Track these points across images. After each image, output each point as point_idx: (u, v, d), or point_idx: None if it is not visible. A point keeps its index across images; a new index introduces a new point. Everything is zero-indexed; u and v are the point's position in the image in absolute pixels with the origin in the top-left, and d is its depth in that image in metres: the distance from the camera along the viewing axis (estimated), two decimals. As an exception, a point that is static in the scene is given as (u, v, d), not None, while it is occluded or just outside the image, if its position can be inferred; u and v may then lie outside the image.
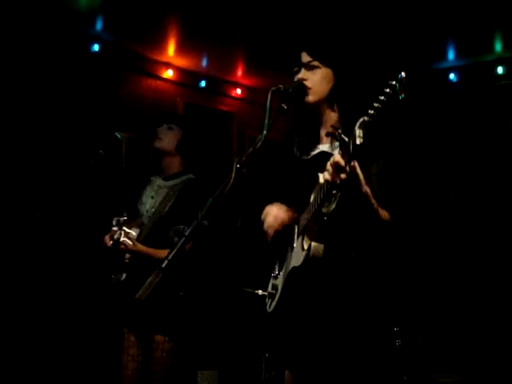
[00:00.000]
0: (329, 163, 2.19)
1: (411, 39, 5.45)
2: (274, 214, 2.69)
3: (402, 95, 1.98)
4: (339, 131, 2.13)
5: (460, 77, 6.13)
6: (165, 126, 3.89)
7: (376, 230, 2.49)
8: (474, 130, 6.03)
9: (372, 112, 2.00)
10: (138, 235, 3.69)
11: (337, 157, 2.15)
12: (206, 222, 3.28)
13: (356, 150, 2.04)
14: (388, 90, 1.99)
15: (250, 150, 2.39)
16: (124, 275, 3.67)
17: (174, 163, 3.91)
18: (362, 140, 2.01)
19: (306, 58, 2.66)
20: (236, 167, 2.29)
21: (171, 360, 3.62)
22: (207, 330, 5.31)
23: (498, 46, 5.73)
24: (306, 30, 5.12)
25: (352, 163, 2.15)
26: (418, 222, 5.74)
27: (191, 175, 3.94)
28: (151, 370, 3.58)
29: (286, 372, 2.60)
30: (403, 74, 2.01)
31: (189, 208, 3.61)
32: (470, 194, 5.97)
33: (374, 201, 2.36)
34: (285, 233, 2.69)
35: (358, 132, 2.01)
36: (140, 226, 3.74)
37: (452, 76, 6.13)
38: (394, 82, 1.99)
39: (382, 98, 1.99)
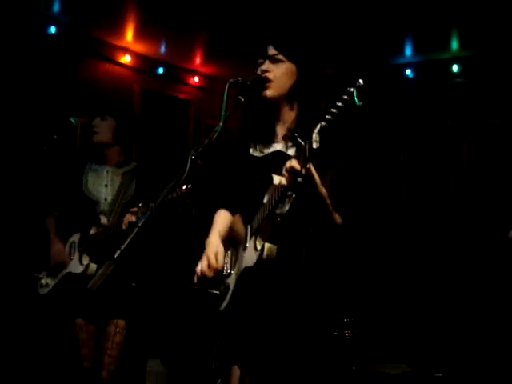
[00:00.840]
0: (285, 168, 2.21)
1: (369, 34, 5.48)
2: (210, 259, 2.65)
3: (360, 103, 1.99)
4: (295, 134, 2.15)
5: (416, 73, 6.20)
6: (98, 118, 3.85)
7: (329, 232, 2.52)
8: (428, 126, 6.12)
9: (329, 117, 2.03)
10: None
11: (293, 162, 2.17)
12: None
13: (312, 154, 2.07)
14: (346, 97, 2.01)
15: (206, 141, 2.39)
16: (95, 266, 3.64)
17: (116, 152, 3.88)
18: (318, 145, 2.03)
19: (271, 51, 2.65)
20: (191, 158, 2.29)
21: (125, 345, 3.64)
22: (159, 319, 5.29)
23: (455, 45, 5.82)
24: (275, 24, 5.12)
25: (308, 166, 2.17)
26: (370, 216, 5.82)
27: (134, 163, 3.95)
28: (108, 356, 3.59)
29: (234, 367, 2.61)
30: (361, 81, 2.01)
31: (140, 194, 3.65)
32: (422, 189, 6.07)
33: (328, 202, 2.39)
34: (235, 236, 2.71)
35: (315, 136, 2.04)
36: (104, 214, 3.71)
37: (408, 72, 6.20)
38: (351, 89, 2.01)
39: (340, 104, 2.02)
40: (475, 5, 4.94)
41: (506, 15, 5.09)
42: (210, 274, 2.65)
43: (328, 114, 2.03)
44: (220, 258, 2.65)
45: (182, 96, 6.55)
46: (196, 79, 6.60)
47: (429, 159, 6.07)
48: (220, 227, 2.80)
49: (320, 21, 5.18)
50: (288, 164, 2.19)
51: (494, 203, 2.91)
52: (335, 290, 2.69)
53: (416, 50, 5.95)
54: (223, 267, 2.68)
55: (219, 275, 2.76)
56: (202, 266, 2.67)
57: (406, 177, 6.10)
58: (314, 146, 2.04)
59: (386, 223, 6.05)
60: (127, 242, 2.01)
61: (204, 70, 6.55)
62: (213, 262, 2.64)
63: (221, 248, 2.69)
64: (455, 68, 6.02)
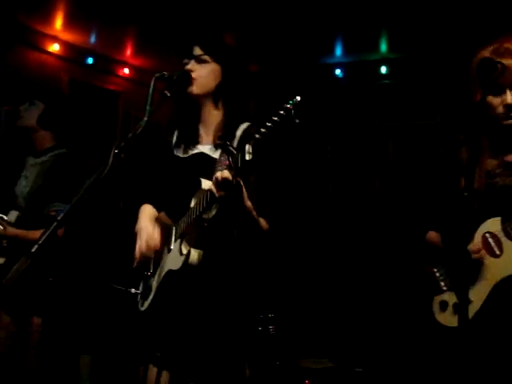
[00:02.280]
0: (215, 177, 2.20)
1: (300, 34, 5.52)
2: (147, 240, 2.66)
3: (297, 120, 1.99)
4: (228, 143, 2.15)
5: (346, 73, 6.28)
6: (27, 103, 3.75)
7: (255, 239, 2.55)
8: (356, 125, 6.21)
9: (264, 131, 2.02)
10: (17, 218, 3.58)
11: (225, 173, 2.16)
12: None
13: (244, 165, 2.06)
14: (282, 112, 2.00)
15: (130, 135, 2.37)
16: (3, 260, 3.55)
17: (43, 138, 3.76)
18: (251, 156, 2.03)
19: (197, 51, 2.66)
20: (114, 152, 2.26)
21: (44, 341, 3.57)
22: (81, 315, 5.20)
23: (383, 47, 5.93)
24: (201, 25, 5.10)
25: (238, 178, 2.18)
26: (297, 214, 5.88)
27: (64, 150, 3.79)
28: (26, 351, 3.52)
29: (151, 365, 2.61)
30: (298, 97, 2.01)
31: (60, 184, 3.55)
32: (348, 187, 6.16)
33: (254, 212, 2.41)
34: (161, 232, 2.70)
35: (248, 148, 2.03)
36: (18, 209, 3.63)
37: (338, 72, 6.28)
38: (288, 105, 2.00)
39: (276, 118, 2.00)
40: (405, 8, 5.04)
41: (434, 20, 5.21)
42: (149, 253, 2.65)
43: (263, 128, 2.02)
44: (156, 237, 2.65)
45: (111, 87, 6.46)
46: (126, 71, 6.51)
47: (356, 158, 6.16)
48: (149, 215, 2.78)
49: (250, 20, 5.19)
50: (220, 174, 2.18)
51: (417, 203, 2.97)
52: (259, 287, 2.71)
53: (346, 50, 6.02)
54: (161, 246, 2.66)
55: (143, 273, 2.75)
56: (139, 247, 2.66)
57: (333, 175, 6.18)
58: (247, 157, 2.03)
59: (313, 221, 6.11)
60: (45, 237, 1.97)
61: (135, 61, 6.47)
62: (151, 242, 2.64)
63: (156, 229, 2.68)
64: (383, 69, 6.13)
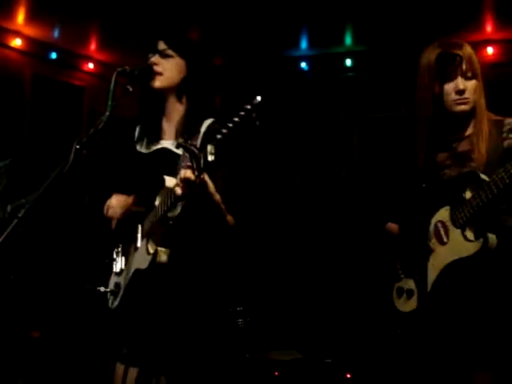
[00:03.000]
0: (179, 178, 2.21)
1: (266, 26, 5.53)
2: (117, 200, 2.68)
3: (258, 122, 2.00)
4: (190, 143, 2.15)
5: (311, 66, 6.29)
6: None
7: (222, 234, 2.56)
8: (322, 117, 6.24)
9: (225, 131, 2.01)
10: None
11: (187, 173, 2.16)
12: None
13: (207, 165, 2.07)
14: (242, 113, 2.01)
15: (92, 130, 2.36)
16: None
17: None
18: (213, 157, 2.03)
19: (162, 45, 2.66)
20: (75, 148, 2.26)
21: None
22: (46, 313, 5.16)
23: (348, 40, 5.96)
24: (166, 19, 5.08)
25: (202, 176, 2.19)
26: (264, 208, 5.90)
27: (7, 161, 3.78)
28: None
29: (118, 364, 2.61)
30: (259, 98, 2.01)
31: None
32: (314, 179, 6.19)
33: (223, 207, 2.42)
34: (128, 227, 2.69)
35: (210, 148, 2.03)
36: None
37: (303, 65, 6.28)
38: (248, 107, 2.00)
39: (237, 119, 2.01)
40: (369, 2, 5.08)
41: (397, 13, 5.26)
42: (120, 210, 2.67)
43: (224, 128, 2.02)
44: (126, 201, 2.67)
45: (76, 82, 6.39)
46: (91, 66, 6.44)
47: (322, 150, 6.19)
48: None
49: (214, 13, 5.18)
50: (182, 174, 2.19)
51: (382, 194, 3.02)
52: (227, 281, 2.73)
53: (311, 43, 6.04)
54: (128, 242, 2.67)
55: (111, 272, 2.75)
56: (111, 208, 2.68)
57: (299, 167, 6.21)
58: (209, 158, 2.04)
59: (280, 213, 6.14)
60: (6, 234, 1.96)
61: (99, 56, 6.41)
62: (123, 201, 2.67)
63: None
64: (348, 62, 6.15)
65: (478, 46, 5.27)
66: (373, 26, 5.59)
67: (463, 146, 2.64)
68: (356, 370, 4.94)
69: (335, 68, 6.22)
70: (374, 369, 4.87)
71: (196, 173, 2.14)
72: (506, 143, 2.56)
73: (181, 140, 2.41)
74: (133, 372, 2.54)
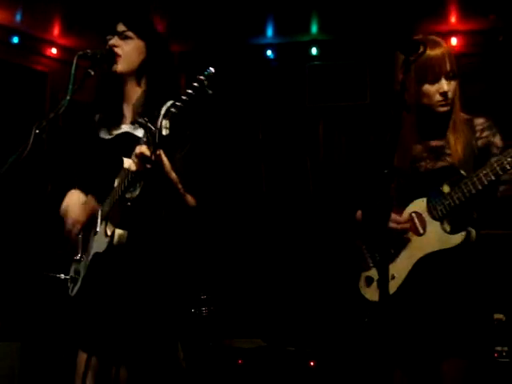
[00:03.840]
0: (134, 153, 2.20)
1: (231, 13, 5.50)
2: (73, 217, 2.66)
3: (210, 91, 2.02)
4: (145, 119, 2.14)
5: (276, 54, 6.27)
6: None
7: (182, 215, 2.54)
8: (287, 106, 6.24)
9: (179, 104, 2.03)
10: None
11: (142, 147, 2.17)
12: None
13: (162, 140, 2.07)
14: (196, 84, 2.03)
15: (52, 115, 2.34)
16: None
17: None
18: (168, 131, 2.03)
19: (121, 27, 2.64)
20: (35, 133, 2.23)
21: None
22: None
23: (314, 28, 5.95)
24: (129, 3, 5.01)
25: (158, 152, 2.18)
26: (227, 194, 5.88)
27: None
28: None
29: (80, 351, 2.59)
30: (212, 69, 2.05)
31: None
32: (280, 167, 6.20)
33: (180, 186, 2.40)
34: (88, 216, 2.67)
35: (165, 123, 2.05)
36: None
37: (269, 53, 6.25)
38: (202, 77, 2.03)
39: (190, 91, 2.03)
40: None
41: (363, 3, 5.26)
42: (76, 231, 2.64)
43: (178, 101, 2.04)
44: (82, 218, 2.64)
45: (38, 68, 6.28)
46: (54, 51, 6.31)
47: (287, 138, 6.20)
48: (74, 198, 2.75)
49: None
50: (137, 150, 2.19)
51: (347, 183, 3.04)
52: (190, 268, 2.72)
53: (277, 31, 6.02)
54: (88, 230, 2.65)
55: (72, 258, 2.72)
56: (67, 230, 2.65)
57: (264, 155, 6.20)
58: (164, 132, 2.04)
59: (244, 201, 6.13)
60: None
61: (63, 41, 6.29)
62: (77, 225, 2.64)
63: (82, 212, 2.66)
64: (314, 51, 6.13)
65: (443, 36, 5.27)
66: (338, 15, 5.59)
67: (436, 141, 2.67)
68: (320, 357, 4.98)
69: (301, 56, 6.20)
70: (337, 357, 4.91)
71: (151, 148, 2.13)
72: (480, 142, 2.62)
73: (137, 117, 2.41)
74: (95, 360, 2.53)
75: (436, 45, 2.59)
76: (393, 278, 2.55)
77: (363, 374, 4.20)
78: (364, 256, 2.76)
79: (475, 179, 2.44)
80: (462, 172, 2.53)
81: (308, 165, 6.08)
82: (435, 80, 2.57)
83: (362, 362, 4.26)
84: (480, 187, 2.43)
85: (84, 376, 2.51)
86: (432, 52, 2.54)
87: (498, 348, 4.34)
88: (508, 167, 2.37)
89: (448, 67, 2.57)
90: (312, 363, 4.92)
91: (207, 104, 2.06)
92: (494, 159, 2.44)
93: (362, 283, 2.74)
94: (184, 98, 2.04)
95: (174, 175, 2.36)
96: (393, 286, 2.54)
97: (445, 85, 2.57)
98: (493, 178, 2.40)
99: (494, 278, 2.77)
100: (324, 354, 5.03)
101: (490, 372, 2.74)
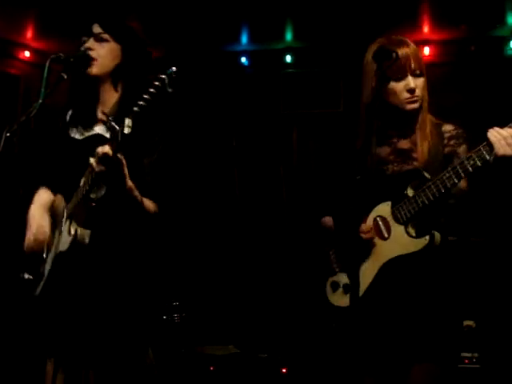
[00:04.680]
0: (96, 152, 2.20)
1: (206, 20, 5.50)
2: (35, 235, 2.63)
3: (170, 90, 2.06)
4: (110, 118, 2.15)
5: (251, 61, 6.28)
6: None
7: (141, 221, 2.53)
8: (261, 113, 6.26)
9: (141, 103, 2.07)
10: None
11: (105, 147, 2.16)
12: None
13: (124, 139, 2.08)
14: (157, 83, 2.07)
15: (24, 118, 2.33)
16: None
17: None
18: (130, 130, 2.06)
19: (97, 29, 2.63)
20: (6, 136, 2.21)
21: None
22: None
23: (289, 36, 5.97)
24: (102, 3, 4.99)
25: (119, 155, 2.18)
26: (200, 201, 5.88)
27: None
28: None
29: (47, 357, 2.57)
30: (174, 68, 2.09)
31: None
32: (253, 174, 6.21)
33: (137, 193, 2.40)
34: (55, 216, 2.65)
35: (128, 122, 2.07)
36: None
37: (243, 60, 6.26)
38: (163, 76, 2.07)
39: (152, 90, 2.07)
40: (309, -2, 5.12)
41: (338, 11, 5.31)
42: (38, 246, 2.61)
43: (140, 100, 2.07)
44: (45, 225, 2.63)
45: (11, 71, 6.22)
46: (27, 54, 6.26)
47: (261, 145, 6.22)
48: (41, 202, 2.72)
49: (154, 4, 5.12)
50: (100, 148, 2.18)
51: (319, 188, 3.06)
52: (160, 275, 2.71)
53: (252, 38, 6.04)
54: (49, 238, 2.62)
55: (38, 257, 2.69)
56: (28, 241, 2.62)
57: (238, 161, 6.21)
58: (126, 131, 2.06)
59: (218, 208, 6.13)
60: None
61: (36, 44, 6.24)
62: (39, 236, 2.61)
63: (46, 217, 2.64)
64: (288, 58, 6.15)
65: (416, 46, 5.36)
66: (313, 23, 5.62)
67: (403, 144, 2.69)
68: (292, 364, 4.98)
69: (275, 64, 6.21)
70: (309, 363, 4.92)
71: (114, 147, 2.14)
72: (446, 150, 2.63)
73: (103, 116, 2.40)
74: (61, 365, 2.50)
75: (401, 43, 2.60)
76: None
77: (335, 381, 4.21)
78: (331, 261, 2.77)
79: (438, 182, 2.44)
80: (426, 175, 2.53)
81: (281, 171, 6.10)
82: (401, 77, 2.58)
83: (333, 369, 4.27)
84: (443, 190, 2.43)
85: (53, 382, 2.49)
86: (396, 47, 2.55)
87: (468, 354, 4.39)
88: (471, 170, 2.37)
89: (414, 64, 2.58)
90: (284, 370, 4.93)
91: (168, 103, 2.09)
92: (457, 162, 2.45)
93: (328, 288, 2.73)
94: (145, 96, 2.07)
95: (130, 182, 2.35)
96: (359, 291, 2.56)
97: (412, 81, 2.57)
98: (456, 181, 2.41)
99: (464, 284, 2.78)
100: (296, 360, 5.04)
101: (458, 377, 2.75)
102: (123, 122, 2.06)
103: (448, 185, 2.42)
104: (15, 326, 4.62)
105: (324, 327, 2.91)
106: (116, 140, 2.11)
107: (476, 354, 4.39)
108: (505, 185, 2.43)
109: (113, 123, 2.12)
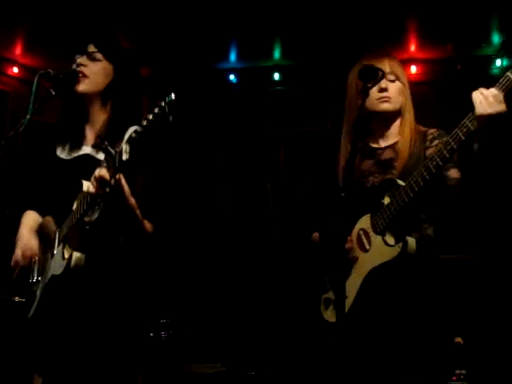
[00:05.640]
0: (93, 176, 2.19)
1: (194, 38, 5.52)
2: (23, 249, 2.62)
3: (171, 117, 2.02)
4: (106, 143, 2.13)
5: (239, 79, 6.31)
6: None
7: (139, 241, 2.53)
8: (249, 130, 6.27)
9: (140, 129, 2.03)
10: None
11: (102, 171, 2.16)
12: None
13: (122, 164, 2.07)
14: (157, 111, 2.03)
15: (12, 133, 2.32)
16: None
17: None
18: (128, 156, 2.03)
19: (91, 48, 2.64)
20: (-7, 151, 2.20)
21: None
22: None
23: (277, 54, 6.02)
24: (97, 23, 5.02)
25: (117, 176, 2.17)
26: (188, 220, 5.86)
27: None
28: None
29: (35, 376, 2.55)
30: (173, 95, 2.04)
31: None
32: (240, 192, 6.20)
33: (138, 212, 2.39)
34: (44, 237, 2.64)
35: (125, 147, 2.04)
36: None
37: (232, 77, 6.30)
38: (162, 103, 2.03)
39: (151, 117, 2.04)
40: (297, 17, 5.15)
41: (325, 30, 5.36)
42: (26, 263, 2.61)
43: (139, 127, 2.05)
44: (33, 244, 2.62)
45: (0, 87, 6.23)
46: (15, 70, 6.26)
47: (248, 162, 6.22)
48: (30, 224, 2.71)
49: (144, 23, 5.15)
50: (97, 172, 2.18)
51: (306, 205, 3.07)
52: (149, 293, 2.70)
53: (240, 56, 6.07)
54: (42, 253, 2.61)
55: (25, 276, 2.68)
56: (15, 257, 2.62)
57: (225, 180, 6.21)
58: (124, 157, 2.04)
59: (206, 226, 6.11)
60: None
61: (25, 60, 6.23)
62: (27, 252, 2.61)
63: (33, 237, 2.63)
64: (276, 76, 6.20)
65: (402, 64, 5.41)
66: (301, 41, 5.67)
67: (387, 154, 2.71)
68: (280, 382, 4.96)
69: (263, 81, 6.26)
70: (298, 380, 4.90)
71: (111, 172, 2.13)
72: (428, 152, 2.64)
73: (97, 141, 2.40)
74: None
75: (379, 52, 2.69)
76: (345, 297, 2.54)
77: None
78: (323, 278, 2.77)
79: (407, 187, 2.46)
80: (400, 183, 2.53)
81: (269, 189, 6.10)
82: (376, 82, 2.56)
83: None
84: (411, 195, 2.44)
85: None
86: (373, 58, 2.63)
87: (457, 371, 4.38)
88: (441, 163, 2.38)
89: (387, 68, 2.62)
90: (272, 388, 4.91)
91: (168, 130, 2.06)
92: (427, 159, 2.46)
93: (322, 305, 2.74)
94: (145, 123, 2.04)
95: (132, 201, 2.35)
96: (346, 305, 2.54)
97: (383, 83, 2.59)
98: (421, 184, 2.41)
99: (450, 299, 2.78)
100: (284, 378, 5.01)
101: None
102: (121, 147, 2.04)
103: (416, 188, 2.42)
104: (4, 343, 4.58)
105: (318, 344, 2.90)
106: (114, 165, 2.09)
107: (464, 371, 4.39)
108: (492, 153, 2.41)
109: (109, 148, 2.10)
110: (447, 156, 2.38)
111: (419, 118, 2.77)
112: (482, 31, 5.30)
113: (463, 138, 2.34)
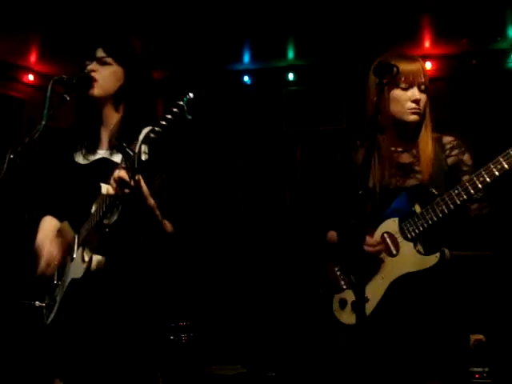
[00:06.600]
0: (112, 178, 2.18)
1: (208, 40, 5.53)
2: (47, 260, 2.62)
3: (190, 117, 2.01)
4: (124, 144, 2.12)
5: (254, 80, 6.32)
6: None
7: (159, 241, 2.52)
8: (264, 131, 6.27)
9: (158, 129, 2.02)
10: None
11: (121, 172, 2.14)
12: None
13: (141, 165, 2.05)
14: (175, 110, 2.02)
15: (27, 139, 2.33)
16: None
17: None
18: (147, 156, 2.02)
19: (100, 53, 2.64)
20: (9, 158, 2.21)
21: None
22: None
23: (291, 54, 6.01)
24: (105, 27, 5.03)
25: (136, 177, 2.16)
26: (207, 221, 5.87)
27: None
28: None
29: (57, 380, 2.55)
30: (191, 94, 2.03)
31: None
32: (258, 193, 6.20)
33: (158, 212, 2.39)
34: (63, 242, 2.64)
35: (144, 148, 2.02)
36: None
37: (246, 78, 6.30)
38: (181, 103, 2.02)
39: (170, 116, 2.02)
40: (311, 17, 5.14)
41: (339, 28, 5.34)
42: (52, 272, 2.61)
43: (157, 126, 2.03)
44: (56, 253, 2.61)
45: (15, 94, 6.25)
46: (31, 77, 6.31)
47: (264, 164, 6.22)
48: (48, 230, 2.72)
49: (157, 25, 5.16)
50: (116, 174, 2.16)
51: (324, 206, 3.05)
52: (169, 296, 2.70)
53: (254, 57, 6.07)
54: (63, 258, 2.61)
55: (49, 284, 2.69)
56: (41, 269, 2.61)
57: (242, 181, 6.21)
58: (143, 157, 2.02)
59: (223, 227, 6.12)
60: None
61: (40, 68, 6.28)
62: (51, 261, 2.59)
63: (55, 244, 2.63)
64: (291, 76, 6.20)
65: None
66: (315, 41, 5.66)
67: (405, 158, 2.69)
68: (300, 383, 4.95)
69: (278, 82, 6.26)
70: (318, 381, 4.88)
71: (130, 173, 2.12)
72: (449, 160, 2.64)
73: (114, 143, 2.38)
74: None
75: (414, 59, 2.67)
76: (367, 300, 2.52)
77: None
78: (337, 278, 2.75)
79: (447, 199, 2.45)
80: (434, 191, 2.53)
81: (286, 189, 6.09)
82: (408, 87, 2.61)
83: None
84: (452, 207, 2.43)
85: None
86: (409, 63, 2.62)
87: (479, 369, 4.34)
88: (480, 187, 2.38)
89: (422, 79, 2.62)
90: (292, 388, 4.90)
91: (186, 129, 2.05)
92: (466, 178, 2.46)
93: (335, 306, 2.71)
94: (163, 123, 2.03)
95: (152, 201, 2.34)
96: (368, 309, 2.50)
97: (417, 93, 2.60)
98: (465, 197, 2.41)
99: (472, 299, 2.76)
100: (304, 378, 5.00)
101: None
102: (139, 148, 2.03)
103: (458, 201, 2.42)
104: (24, 349, 4.61)
105: (331, 345, 2.87)
106: (132, 166, 2.08)
107: (487, 369, 4.35)
108: None
109: (128, 149, 2.09)
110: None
111: (434, 114, 2.75)
112: (497, 24, 5.25)
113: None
